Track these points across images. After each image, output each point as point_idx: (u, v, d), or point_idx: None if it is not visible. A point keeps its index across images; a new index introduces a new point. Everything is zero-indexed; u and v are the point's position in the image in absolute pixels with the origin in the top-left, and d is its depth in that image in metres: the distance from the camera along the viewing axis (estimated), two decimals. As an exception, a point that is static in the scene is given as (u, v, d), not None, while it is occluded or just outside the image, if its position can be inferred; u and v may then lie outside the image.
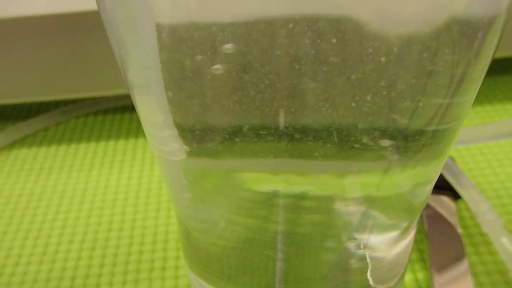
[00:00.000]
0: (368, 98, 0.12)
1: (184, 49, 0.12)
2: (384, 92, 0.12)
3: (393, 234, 0.16)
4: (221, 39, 0.12)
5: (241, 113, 0.13)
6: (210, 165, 0.14)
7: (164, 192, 0.28)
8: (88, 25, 0.27)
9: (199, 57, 0.12)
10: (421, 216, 0.24)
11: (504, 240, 0.21)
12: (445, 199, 0.24)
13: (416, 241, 0.24)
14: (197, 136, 0.14)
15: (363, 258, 0.16)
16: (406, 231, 0.16)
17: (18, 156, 0.31)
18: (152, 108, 0.14)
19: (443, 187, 0.24)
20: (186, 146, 0.14)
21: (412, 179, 0.15)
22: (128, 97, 0.32)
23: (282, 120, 0.13)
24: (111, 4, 0.13)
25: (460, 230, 0.23)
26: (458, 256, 0.22)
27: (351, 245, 0.16)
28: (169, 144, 0.15)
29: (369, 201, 0.15)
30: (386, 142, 0.13)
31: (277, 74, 0.12)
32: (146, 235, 0.25)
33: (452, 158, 0.26)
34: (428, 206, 0.24)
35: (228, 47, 0.12)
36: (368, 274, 0.16)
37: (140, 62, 0.13)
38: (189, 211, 0.17)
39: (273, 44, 0.11)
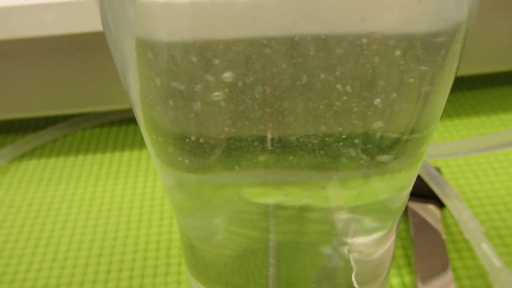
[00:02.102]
0: (349, 112, 0.14)
1: (179, 71, 0.14)
2: (364, 106, 0.14)
3: (375, 236, 0.18)
4: (217, 64, 0.13)
5: (235, 132, 0.14)
6: (204, 179, 0.16)
7: (167, 202, 0.29)
8: (93, 45, 0.28)
9: (195, 83, 0.14)
10: (409, 224, 0.26)
11: (485, 246, 0.23)
12: (431, 207, 0.26)
13: (404, 247, 0.25)
14: (192, 152, 0.15)
15: (348, 261, 0.18)
16: (387, 234, 0.18)
17: (28, 167, 0.33)
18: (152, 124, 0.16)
19: (429, 196, 0.26)
20: (183, 161, 0.16)
21: (391, 186, 0.16)
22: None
23: (272, 136, 0.14)
24: (115, 27, 0.14)
25: (444, 237, 0.24)
26: (442, 261, 0.23)
27: (337, 249, 0.17)
28: (167, 158, 0.16)
29: (353, 207, 0.16)
30: (366, 154, 0.15)
31: (268, 93, 0.13)
32: (150, 242, 0.27)
33: (438, 169, 0.27)
34: (415, 214, 0.26)
35: (227, 75, 0.13)
36: (353, 276, 0.18)
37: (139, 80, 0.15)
38: (188, 220, 0.18)
39: (266, 64, 0.13)
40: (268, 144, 0.14)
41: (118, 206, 0.29)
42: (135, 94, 0.16)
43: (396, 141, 0.15)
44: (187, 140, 0.15)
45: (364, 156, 0.15)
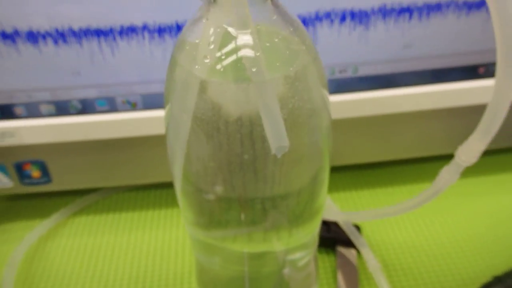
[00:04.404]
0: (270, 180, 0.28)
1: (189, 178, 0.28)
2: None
3: (302, 262, 0.31)
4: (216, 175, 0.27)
5: (226, 213, 0.28)
6: (205, 235, 0.30)
7: (180, 245, 0.43)
8: (144, 142, 0.43)
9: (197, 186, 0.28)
10: (336, 261, 0.40)
11: (380, 276, 0.37)
12: (352, 251, 0.40)
13: (333, 277, 0.39)
14: (200, 223, 0.29)
15: (288, 278, 0.32)
16: (309, 260, 0.32)
17: (80, 222, 0.47)
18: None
19: (351, 244, 0.40)
20: (194, 224, 0.30)
21: (306, 231, 0.30)
22: (156, 177, 0.48)
23: (242, 208, 0.28)
24: (170, 138, 0.27)
25: (358, 270, 0.39)
26: (354, 285, 0.37)
27: (282, 272, 0.31)
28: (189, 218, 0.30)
29: (287, 248, 0.30)
30: (290, 213, 0.28)
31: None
32: (170, 274, 0.41)
33: (358, 226, 0.42)
34: (341, 255, 0.40)
35: (218, 188, 0.27)
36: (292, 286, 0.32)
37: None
38: (198, 255, 0.32)
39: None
40: (242, 217, 0.28)
41: (146, 249, 0.43)
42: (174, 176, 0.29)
43: (306, 202, 0.28)
44: (197, 217, 0.29)
45: (289, 216, 0.28)
